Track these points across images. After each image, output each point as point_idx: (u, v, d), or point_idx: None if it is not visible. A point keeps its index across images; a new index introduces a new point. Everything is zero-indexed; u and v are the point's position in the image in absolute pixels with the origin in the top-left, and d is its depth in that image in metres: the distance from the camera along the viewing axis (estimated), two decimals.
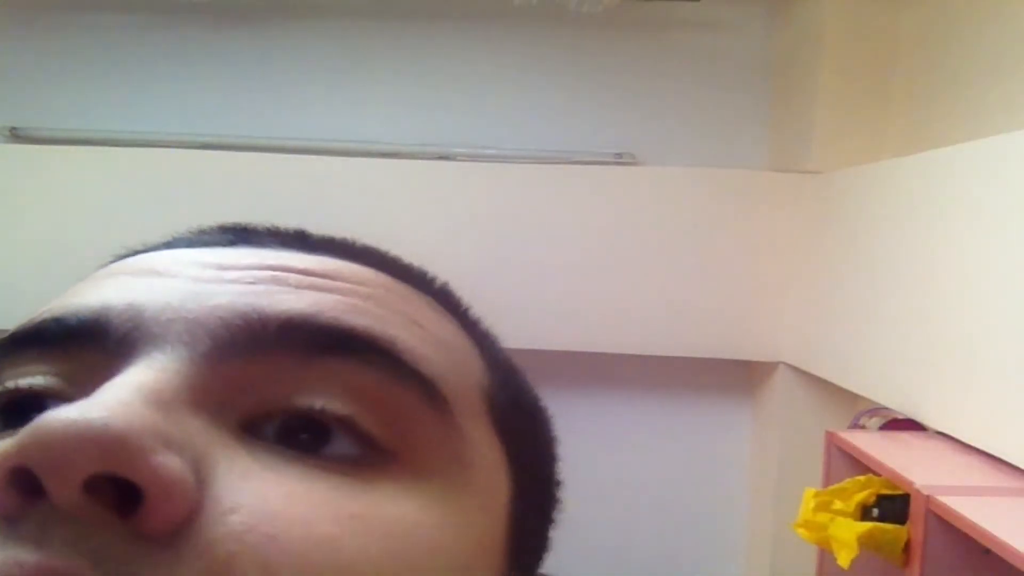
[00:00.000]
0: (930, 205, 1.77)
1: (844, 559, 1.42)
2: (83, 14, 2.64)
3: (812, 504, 1.54)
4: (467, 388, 0.28)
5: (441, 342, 0.28)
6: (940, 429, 1.68)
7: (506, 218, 2.46)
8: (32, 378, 0.25)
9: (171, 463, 0.20)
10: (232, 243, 0.30)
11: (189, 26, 2.64)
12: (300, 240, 0.31)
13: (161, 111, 2.65)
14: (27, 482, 0.19)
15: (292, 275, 0.27)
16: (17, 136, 2.54)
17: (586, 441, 2.71)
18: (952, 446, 1.62)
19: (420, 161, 2.51)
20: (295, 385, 0.24)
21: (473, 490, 0.26)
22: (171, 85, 2.66)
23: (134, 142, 2.51)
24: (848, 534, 1.42)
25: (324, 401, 0.24)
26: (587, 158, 2.57)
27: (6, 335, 0.27)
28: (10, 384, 0.25)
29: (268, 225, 0.33)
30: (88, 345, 0.24)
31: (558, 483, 0.32)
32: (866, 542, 1.41)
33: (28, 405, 0.24)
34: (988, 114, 1.87)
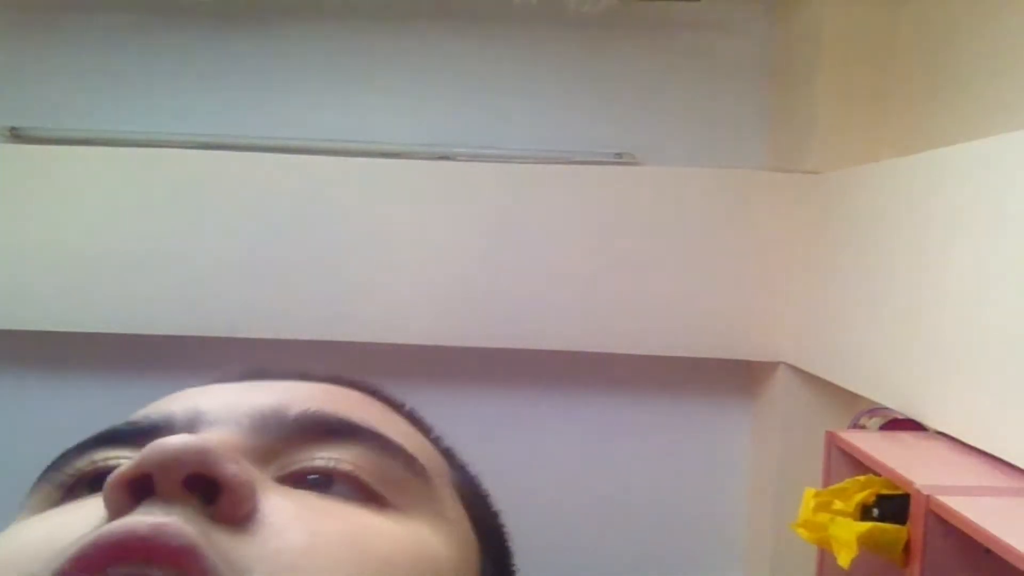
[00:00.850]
0: (930, 205, 1.77)
1: (844, 559, 1.42)
2: (83, 14, 2.64)
3: (812, 504, 1.54)
4: (437, 467, 0.39)
5: (410, 435, 0.40)
6: (940, 429, 1.68)
7: (506, 218, 2.46)
8: (116, 460, 0.34)
9: (243, 471, 0.29)
10: (253, 377, 0.41)
11: (189, 26, 2.64)
12: (303, 374, 0.42)
13: (161, 111, 2.65)
14: (136, 490, 0.28)
15: (301, 389, 0.38)
16: (17, 136, 2.54)
17: (585, 441, 2.71)
18: (952, 446, 1.62)
19: (420, 161, 2.51)
20: (309, 455, 0.34)
21: (449, 535, 0.35)
22: (171, 85, 2.66)
23: (134, 142, 2.51)
24: (848, 534, 1.42)
25: (334, 463, 0.34)
26: (587, 158, 2.57)
27: (94, 434, 0.36)
28: (100, 464, 0.34)
29: (278, 368, 0.42)
30: (159, 436, 0.33)
31: (509, 545, 0.43)
32: (866, 542, 1.41)
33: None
34: (988, 114, 1.87)
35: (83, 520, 0.29)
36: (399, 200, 2.47)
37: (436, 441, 0.43)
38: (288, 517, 0.29)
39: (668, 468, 2.71)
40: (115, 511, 0.28)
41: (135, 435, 0.35)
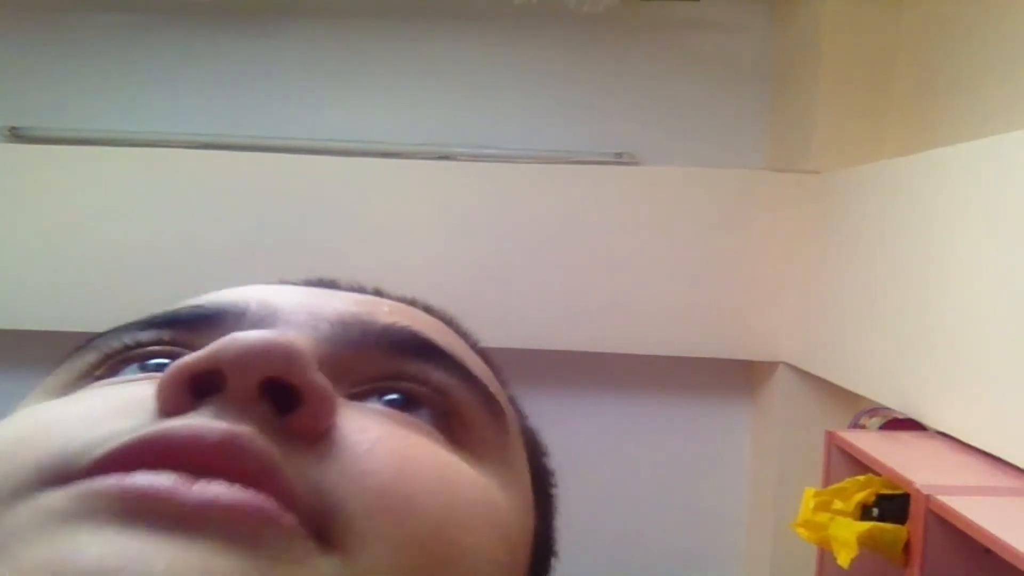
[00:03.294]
0: (930, 205, 1.77)
1: (844, 559, 1.42)
2: (83, 14, 2.64)
3: (812, 504, 1.54)
4: (509, 408, 0.35)
5: (487, 373, 0.35)
6: (940, 429, 1.68)
7: (506, 218, 2.46)
8: (173, 349, 0.30)
9: (327, 382, 0.25)
10: (324, 285, 0.37)
11: (189, 26, 2.64)
12: (377, 291, 0.38)
13: (161, 111, 2.65)
14: (198, 388, 0.24)
15: (384, 304, 0.34)
16: (17, 136, 2.54)
17: (586, 441, 2.71)
18: (952, 446, 1.62)
19: (420, 161, 2.51)
20: (393, 372, 0.30)
21: (514, 490, 0.31)
22: (171, 85, 2.66)
23: (134, 142, 2.51)
24: (848, 534, 1.42)
25: (419, 386, 0.30)
26: (587, 158, 2.57)
27: (147, 315, 0.32)
28: (153, 347, 0.30)
29: (348, 281, 0.39)
30: (225, 326, 0.29)
31: (556, 507, 0.38)
32: (866, 542, 1.41)
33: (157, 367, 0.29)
34: (988, 114, 1.87)
35: (128, 403, 0.25)
36: (399, 200, 2.47)
37: (505, 384, 0.38)
38: (372, 439, 0.25)
39: (668, 468, 2.71)
40: (170, 406, 0.24)
41: (197, 321, 0.30)
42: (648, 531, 2.70)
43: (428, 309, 0.37)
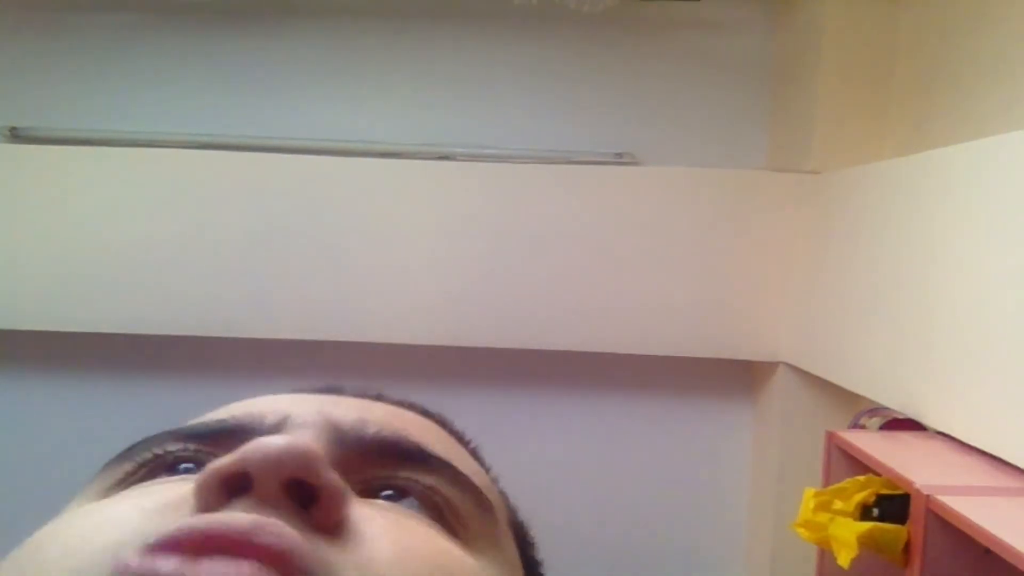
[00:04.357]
0: (930, 205, 1.77)
1: (844, 559, 1.42)
2: (83, 14, 2.64)
3: (812, 504, 1.54)
4: (498, 503, 0.39)
5: (478, 471, 0.40)
6: (940, 429, 1.68)
7: (506, 218, 2.46)
8: (199, 455, 0.34)
9: (340, 480, 0.29)
10: (328, 392, 0.41)
11: (189, 26, 2.64)
12: (378, 396, 0.42)
13: (161, 111, 2.65)
14: (230, 487, 0.27)
15: (378, 409, 0.38)
16: (17, 136, 2.54)
17: (586, 441, 2.71)
18: (952, 446, 1.62)
19: (420, 161, 2.51)
20: (386, 474, 0.34)
21: (504, 574, 0.35)
22: (171, 85, 2.66)
23: (134, 142, 2.51)
24: (848, 534, 1.42)
25: (411, 483, 0.34)
26: (587, 158, 2.57)
27: (173, 428, 0.36)
28: (181, 454, 0.34)
29: (352, 386, 0.43)
30: (246, 438, 0.33)
31: None
32: (866, 542, 1.41)
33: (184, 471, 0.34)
34: (988, 114, 1.87)
35: (168, 500, 0.29)
36: (399, 200, 2.47)
37: (495, 481, 0.42)
38: (377, 529, 0.29)
39: (668, 468, 2.71)
40: (205, 504, 0.27)
41: (220, 434, 0.35)
42: (648, 531, 2.70)
43: (425, 412, 0.42)
